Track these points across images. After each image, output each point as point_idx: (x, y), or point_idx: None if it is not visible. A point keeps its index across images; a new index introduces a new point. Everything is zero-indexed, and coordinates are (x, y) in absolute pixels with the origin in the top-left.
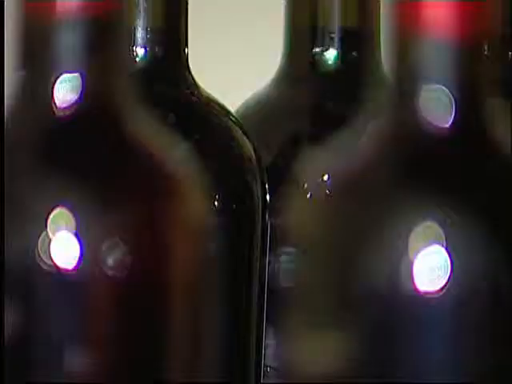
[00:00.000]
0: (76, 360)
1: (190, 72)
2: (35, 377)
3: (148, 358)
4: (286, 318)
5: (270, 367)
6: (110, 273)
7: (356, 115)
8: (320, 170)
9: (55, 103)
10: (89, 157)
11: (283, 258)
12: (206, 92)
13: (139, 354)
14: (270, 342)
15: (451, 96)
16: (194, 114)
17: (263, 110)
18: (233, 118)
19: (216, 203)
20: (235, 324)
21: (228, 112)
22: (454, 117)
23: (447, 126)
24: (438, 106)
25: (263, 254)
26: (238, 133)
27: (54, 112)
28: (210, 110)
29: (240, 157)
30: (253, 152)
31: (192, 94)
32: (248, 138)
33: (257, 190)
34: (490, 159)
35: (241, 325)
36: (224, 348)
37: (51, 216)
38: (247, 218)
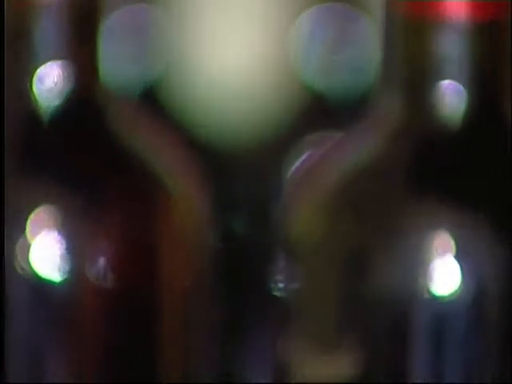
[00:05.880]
0: (61, 369)
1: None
2: None
3: (135, 364)
4: (288, 323)
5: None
6: (95, 281)
7: (366, 113)
8: (325, 171)
9: (38, 96)
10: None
11: (284, 261)
12: None
13: (127, 362)
14: (270, 345)
15: (467, 91)
16: None
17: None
18: None
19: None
20: (234, 326)
21: None
22: (470, 113)
23: (462, 122)
24: (452, 102)
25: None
26: None
27: (38, 107)
28: None
29: None
30: None
31: None
32: None
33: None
34: (508, 156)
35: (239, 328)
36: (220, 352)
37: (33, 220)
38: None
